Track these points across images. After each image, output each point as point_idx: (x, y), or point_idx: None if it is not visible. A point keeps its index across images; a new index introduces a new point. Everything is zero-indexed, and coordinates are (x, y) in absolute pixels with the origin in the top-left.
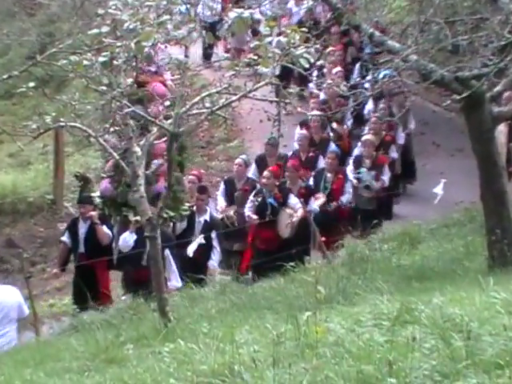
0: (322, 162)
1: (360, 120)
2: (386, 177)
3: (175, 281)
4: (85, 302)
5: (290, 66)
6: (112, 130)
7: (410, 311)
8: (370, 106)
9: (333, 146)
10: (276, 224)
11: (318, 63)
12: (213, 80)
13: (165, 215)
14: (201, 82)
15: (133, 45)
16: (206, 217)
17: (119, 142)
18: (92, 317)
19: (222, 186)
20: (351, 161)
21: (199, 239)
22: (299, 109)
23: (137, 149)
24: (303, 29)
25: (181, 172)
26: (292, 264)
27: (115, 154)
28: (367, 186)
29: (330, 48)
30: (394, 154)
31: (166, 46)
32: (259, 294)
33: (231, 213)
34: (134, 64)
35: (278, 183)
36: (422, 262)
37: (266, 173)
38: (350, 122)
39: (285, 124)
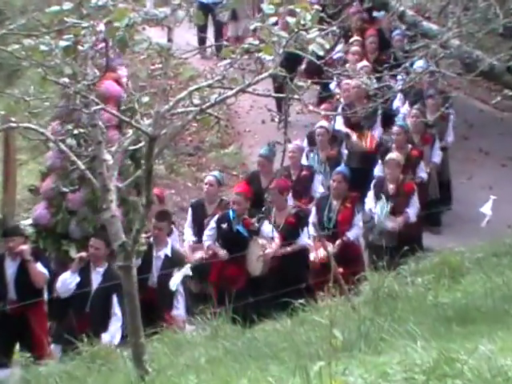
0: (317, 184)
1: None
2: (412, 210)
3: (116, 329)
4: (9, 356)
5: (301, 53)
6: (76, 132)
7: (449, 362)
8: (397, 102)
9: (340, 166)
10: (245, 258)
11: (338, 54)
12: (203, 70)
13: None
14: (188, 73)
15: (102, 26)
16: (167, 250)
17: (85, 148)
18: (49, 368)
19: (189, 213)
20: (372, 185)
21: (185, 269)
22: (311, 107)
23: (107, 156)
24: (316, 6)
25: (138, 195)
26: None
27: (80, 163)
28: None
29: (355, 38)
30: (423, 173)
31: (144, 28)
32: (260, 340)
33: (198, 255)
34: (103, 50)
35: (249, 206)
36: (466, 299)
37: (234, 196)
38: (378, 132)
39: (292, 126)
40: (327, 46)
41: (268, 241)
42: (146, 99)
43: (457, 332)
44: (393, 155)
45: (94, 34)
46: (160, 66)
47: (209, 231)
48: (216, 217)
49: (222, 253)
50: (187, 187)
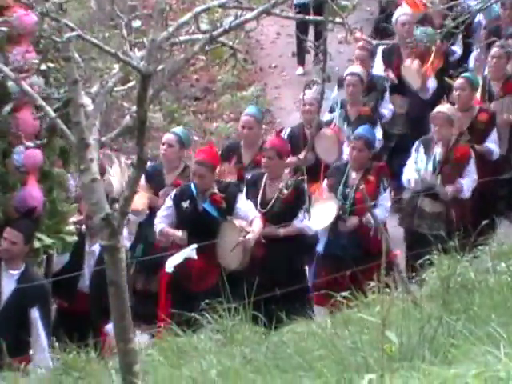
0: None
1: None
2: (467, 181)
3: (42, 358)
4: None
5: None
6: (44, 67)
7: None
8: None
9: (362, 127)
10: (215, 246)
11: None
12: None
13: (37, 244)
14: None
15: None
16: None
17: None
18: (9, 380)
19: (141, 182)
20: (414, 149)
21: (189, 250)
22: (359, 34)
23: (86, 100)
24: None
25: (64, 166)
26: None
27: (50, 109)
28: (430, 188)
29: None
30: (493, 143)
31: None
32: (290, 345)
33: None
34: None
35: (218, 178)
36: None
37: (195, 166)
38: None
39: (333, 60)
40: None
41: (247, 222)
42: (137, 24)
43: None
44: (443, 107)
45: None
46: None
47: (164, 211)
48: (173, 193)
49: (180, 235)
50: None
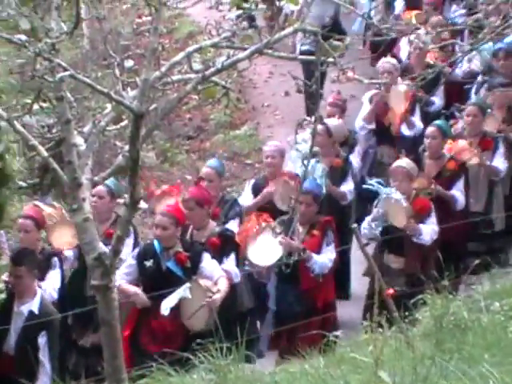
0: None
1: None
2: (428, 228)
3: None
4: None
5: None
6: (37, 107)
7: None
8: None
9: (309, 181)
10: (179, 307)
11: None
12: (206, 25)
13: None
14: (187, 28)
15: None
16: (33, 306)
17: (49, 129)
18: None
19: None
20: (374, 204)
21: (183, 290)
22: (351, 74)
23: (78, 139)
24: None
25: None
26: None
27: (42, 149)
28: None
29: None
30: (459, 192)
31: None
32: None
33: None
34: None
35: (180, 233)
36: None
37: (159, 218)
38: (415, 130)
39: (326, 100)
40: None
41: (213, 282)
42: (129, 63)
43: None
44: (401, 162)
45: None
46: (149, 18)
47: (125, 268)
48: (136, 251)
49: (141, 298)
50: (185, 181)
